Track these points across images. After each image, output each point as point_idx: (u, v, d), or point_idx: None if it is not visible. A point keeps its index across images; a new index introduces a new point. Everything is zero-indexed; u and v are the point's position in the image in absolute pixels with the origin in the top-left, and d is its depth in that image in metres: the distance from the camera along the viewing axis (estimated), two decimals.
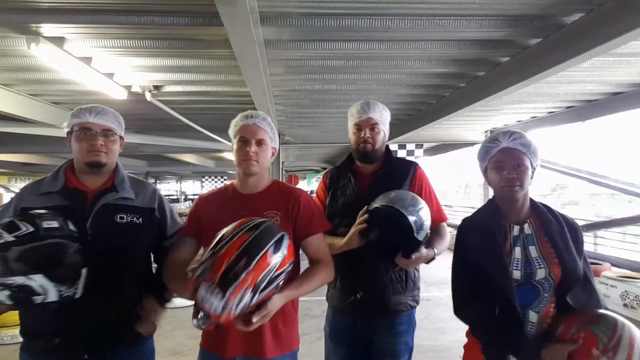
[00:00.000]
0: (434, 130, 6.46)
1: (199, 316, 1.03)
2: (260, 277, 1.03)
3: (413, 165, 1.71)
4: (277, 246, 1.07)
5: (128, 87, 3.71)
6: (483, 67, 3.46)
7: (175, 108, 4.47)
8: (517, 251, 1.29)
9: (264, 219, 1.13)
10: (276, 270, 1.06)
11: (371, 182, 1.65)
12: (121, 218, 1.40)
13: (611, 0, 2.21)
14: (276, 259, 1.06)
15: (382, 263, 1.59)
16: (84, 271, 1.22)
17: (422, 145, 7.19)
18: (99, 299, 1.30)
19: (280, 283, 1.10)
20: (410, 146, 7.11)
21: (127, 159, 9.98)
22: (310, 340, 3.61)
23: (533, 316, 1.26)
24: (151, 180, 17.08)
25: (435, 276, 6.23)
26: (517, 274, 1.26)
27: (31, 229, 1.15)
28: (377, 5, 2.31)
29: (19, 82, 3.71)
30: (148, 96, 3.86)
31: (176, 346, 3.80)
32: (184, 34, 2.64)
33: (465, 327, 1.42)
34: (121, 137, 1.48)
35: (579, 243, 1.30)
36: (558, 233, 1.28)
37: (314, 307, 4.66)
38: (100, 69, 3.18)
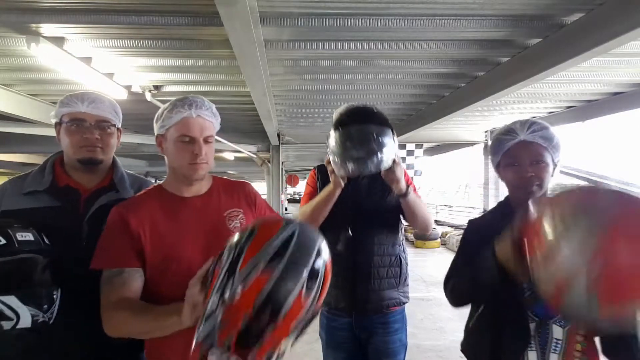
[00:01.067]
0: (434, 130, 6.47)
1: None
2: (291, 329, 0.73)
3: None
4: (314, 272, 0.74)
5: (128, 87, 3.71)
6: (483, 67, 3.46)
7: None
8: None
9: (290, 222, 0.79)
10: (312, 309, 0.75)
11: (363, 177, 1.61)
12: None
13: (611, 0, 2.21)
14: (314, 292, 0.74)
15: (377, 257, 1.59)
16: (57, 293, 1.03)
17: (422, 145, 7.19)
18: (95, 318, 1.08)
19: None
20: (410, 146, 7.12)
21: (127, 159, 9.98)
22: (310, 340, 3.60)
23: (557, 330, 1.07)
24: (151, 180, 17.04)
25: (435, 276, 6.24)
26: None
27: (3, 242, 0.97)
28: (377, 5, 2.31)
29: (19, 82, 3.71)
30: (148, 96, 3.86)
31: None
32: (184, 34, 2.64)
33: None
34: (119, 129, 1.28)
35: None
36: None
37: None
38: (100, 69, 3.18)
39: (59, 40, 2.63)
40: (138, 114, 4.85)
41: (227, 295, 0.71)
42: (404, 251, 1.68)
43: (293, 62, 3.22)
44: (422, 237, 9.90)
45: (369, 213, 1.58)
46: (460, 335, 1.31)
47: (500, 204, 1.26)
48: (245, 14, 2.00)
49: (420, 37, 2.77)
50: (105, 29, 2.53)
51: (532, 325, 1.10)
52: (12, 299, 0.95)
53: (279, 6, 2.31)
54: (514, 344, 1.11)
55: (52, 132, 1.25)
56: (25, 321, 0.97)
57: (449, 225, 11.25)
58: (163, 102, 4.08)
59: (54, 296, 1.02)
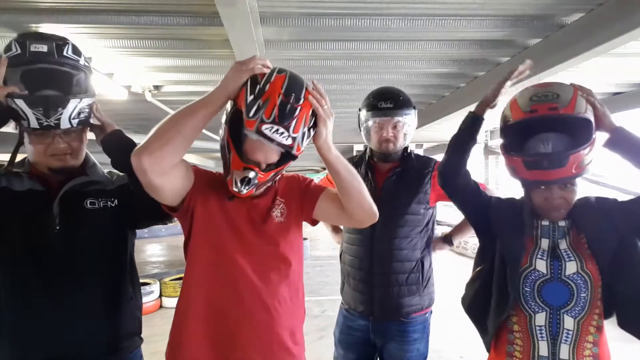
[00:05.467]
0: (434, 131, 6.45)
1: (240, 182, 1.06)
2: (310, 113, 1.06)
3: (432, 162, 1.68)
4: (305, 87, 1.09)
5: (128, 87, 3.71)
6: (483, 67, 3.46)
7: (175, 108, 4.39)
8: (544, 243, 1.14)
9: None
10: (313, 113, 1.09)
11: (386, 178, 1.61)
12: (92, 204, 1.19)
13: (611, 0, 2.21)
14: (313, 99, 1.08)
15: (397, 263, 1.56)
16: (70, 104, 1.13)
17: (422, 145, 7.20)
18: (74, 304, 1.13)
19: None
20: (410, 146, 7.11)
21: None
22: (310, 340, 3.60)
23: (569, 321, 1.07)
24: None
25: (435, 276, 6.23)
26: (541, 265, 1.10)
27: (18, 51, 1.12)
28: (377, 5, 2.31)
29: None
30: (148, 96, 3.86)
31: None
32: (184, 34, 2.64)
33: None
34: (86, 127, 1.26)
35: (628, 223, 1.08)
36: (593, 220, 1.11)
37: (314, 307, 4.66)
38: (101, 69, 3.17)
39: None
40: (138, 114, 4.85)
41: (259, 88, 1.01)
42: (429, 254, 1.63)
43: (293, 62, 3.21)
44: None
45: (390, 217, 1.53)
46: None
47: (522, 200, 1.26)
48: (245, 14, 2.00)
49: (420, 37, 2.76)
50: (105, 29, 2.52)
51: (542, 315, 1.10)
52: (20, 102, 1.09)
53: (279, 6, 2.31)
54: (495, 311, 1.14)
55: None
56: (32, 122, 1.10)
57: (449, 225, 11.24)
58: (163, 102, 4.12)
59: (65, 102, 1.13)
